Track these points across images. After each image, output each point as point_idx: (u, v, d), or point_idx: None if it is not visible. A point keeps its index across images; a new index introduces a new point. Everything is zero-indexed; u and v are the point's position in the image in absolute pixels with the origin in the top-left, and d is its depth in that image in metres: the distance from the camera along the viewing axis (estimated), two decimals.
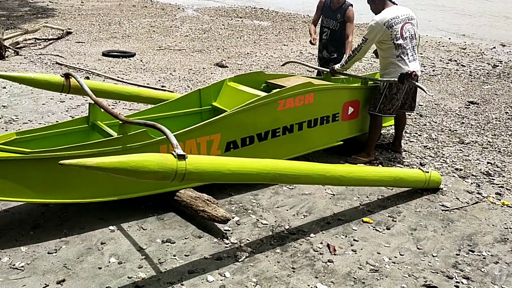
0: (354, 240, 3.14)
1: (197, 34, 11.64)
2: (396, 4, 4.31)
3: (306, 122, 3.97)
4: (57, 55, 8.45)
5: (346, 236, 3.18)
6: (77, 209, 3.22)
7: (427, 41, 12.04)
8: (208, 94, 4.10)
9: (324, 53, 5.49)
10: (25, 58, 8.13)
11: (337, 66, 4.58)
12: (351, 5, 5.21)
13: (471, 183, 4.13)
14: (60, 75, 3.85)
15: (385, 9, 4.23)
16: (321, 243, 3.07)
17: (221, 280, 2.63)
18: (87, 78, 6.98)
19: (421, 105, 6.54)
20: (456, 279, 2.79)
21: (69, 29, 10.95)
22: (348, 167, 3.32)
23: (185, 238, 3.01)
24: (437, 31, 14.31)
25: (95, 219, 3.13)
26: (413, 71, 4.13)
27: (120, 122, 3.01)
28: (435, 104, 6.65)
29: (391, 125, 4.92)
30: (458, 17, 17.99)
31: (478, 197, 3.87)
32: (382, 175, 3.49)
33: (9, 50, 8.25)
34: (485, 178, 4.25)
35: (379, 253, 3.00)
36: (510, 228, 3.41)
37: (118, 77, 7.20)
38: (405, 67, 4.21)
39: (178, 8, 16.55)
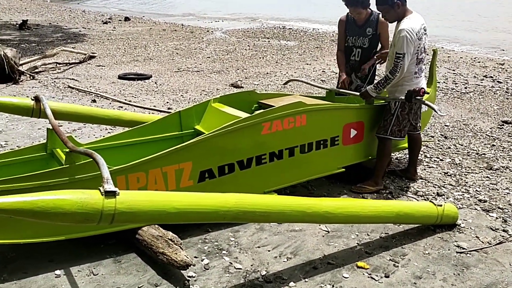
0: None
1: (219, 56, 11.40)
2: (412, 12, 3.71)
3: (298, 147, 3.49)
4: (73, 79, 8.36)
5: (333, 286, 2.65)
6: (28, 249, 2.85)
7: (461, 57, 11.29)
8: (190, 116, 3.70)
9: (353, 77, 4.50)
10: (39, 82, 8.06)
11: (370, 88, 3.79)
12: (379, 13, 4.17)
13: (496, 218, 3.51)
14: (31, 98, 3.56)
15: (408, 16, 3.62)
16: None
17: None
18: (94, 101, 6.78)
19: (447, 126, 5.90)
20: None
21: (92, 53, 10.96)
22: (337, 201, 2.81)
23: (139, 287, 2.57)
24: (473, 46, 13.52)
25: (44, 261, 2.75)
26: (422, 88, 3.58)
27: (67, 150, 2.64)
28: (464, 124, 5.99)
29: (404, 148, 4.33)
30: (496, 32, 17.02)
31: (503, 236, 3.24)
32: (382, 211, 2.94)
33: (25, 74, 8.23)
34: None
35: None
36: None
37: (125, 99, 6.97)
38: (420, 84, 3.68)
39: (207, 31, 16.50)
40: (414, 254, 3.00)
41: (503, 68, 10.04)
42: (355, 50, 4.42)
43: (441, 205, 3.25)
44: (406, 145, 4.18)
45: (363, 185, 3.87)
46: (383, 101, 3.90)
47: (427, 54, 3.96)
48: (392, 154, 4.24)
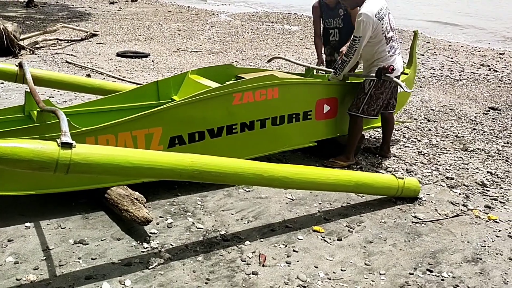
0: (294, 250, 2.74)
1: (221, 38, 11.48)
2: None
3: (270, 119, 3.61)
4: (71, 55, 8.50)
5: (286, 246, 2.79)
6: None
7: (462, 46, 11.28)
8: (167, 86, 3.82)
9: (335, 56, 4.73)
10: (38, 56, 8.23)
11: (331, 75, 3.97)
12: None
13: (459, 194, 3.61)
14: (15, 64, 3.71)
15: (367, 0, 3.73)
16: (254, 252, 2.70)
17: None
18: (88, 75, 6.92)
19: (433, 110, 5.98)
20: None
21: (95, 31, 11.09)
22: (295, 168, 2.92)
23: (101, 240, 2.73)
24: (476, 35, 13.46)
25: (15, 215, 2.91)
26: (391, 65, 3.67)
27: (38, 109, 2.79)
28: (450, 109, 6.06)
29: (377, 127, 4.44)
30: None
31: (461, 210, 3.35)
32: (340, 179, 3.07)
33: (26, 49, 8.39)
34: (478, 189, 3.71)
35: (317, 267, 2.59)
36: (488, 246, 2.89)
37: (120, 75, 7.11)
38: (394, 62, 3.77)
39: (213, 14, 16.54)
40: (370, 222, 3.13)
41: (503, 58, 10.03)
42: (333, 31, 4.70)
43: (402, 178, 3.36)
44: (379, 124, 4.28)
45: (335, 160, 3.99)
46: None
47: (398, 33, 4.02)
48: (367, 131, 4.36)
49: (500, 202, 3.51)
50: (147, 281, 2.39)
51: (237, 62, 8.62)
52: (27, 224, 2.83)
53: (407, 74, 4.63)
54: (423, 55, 9.93)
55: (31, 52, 8.43)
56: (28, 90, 3.16)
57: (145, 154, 2.40)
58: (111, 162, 2.25)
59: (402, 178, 3.36)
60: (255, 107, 3.50)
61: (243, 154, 3.51)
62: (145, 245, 2.70)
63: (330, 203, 3.36)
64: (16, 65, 3.68)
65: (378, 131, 4.92)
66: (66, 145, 2.13)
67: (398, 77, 3.83)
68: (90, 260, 2.54)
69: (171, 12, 16.52)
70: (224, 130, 3.42)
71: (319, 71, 4.41)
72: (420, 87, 7.22)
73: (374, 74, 3.73)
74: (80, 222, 2.90)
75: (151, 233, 2.83)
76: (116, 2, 18.46)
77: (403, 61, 4.27)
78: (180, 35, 11.66)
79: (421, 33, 13.51)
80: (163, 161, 2.40)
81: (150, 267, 2.50)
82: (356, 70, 4.62)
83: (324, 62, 4.79)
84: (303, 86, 3.75)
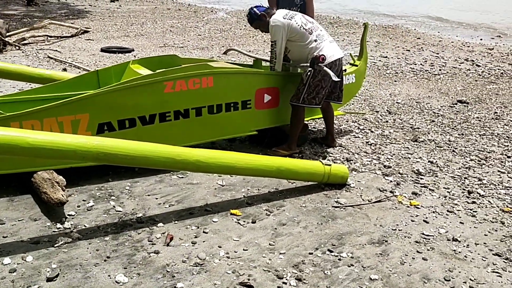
0: (204, 232, 2.82)
1: (211, 34, 11.58)
2: None
3: (206, 108, 3.69)
4: (56, 50, 8.68)
5: (198, 227, 2.87)
6: None
7: (452, 42, 11.21)
8: (108, 76, 3.93)
9: None
10: (23, 52, 8.40)
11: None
12: None
13: (391, 181, 3.65)
14: None
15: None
16: (163, 233, 2.79)
17: (18, 263, 2.43)
18: (64, 70, 7.07)
19: (399, 103, 5.99)
20: (285, 279, 2.40)
21: (86, 28, 11.28)
22: (210, 152, 2.99)
23: (19, 220, 2.84)
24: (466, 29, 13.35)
25: None
26: (322, 55, 3.72)
27: None
28: (416, 102, 6.07)
29: (319, 118, 4.48)
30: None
31: (386, 196, 3.39)
32: (260, 164, 3.14)
33: (12, 45, 8.59)
34: (412, 177, 3.74)
35: (220, 247, 2.66)
36: (399, 230, 2.94)
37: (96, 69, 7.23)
38: (324, 50, 3.82)
39: (211, 11, 16.66)
40: (291, 206, 3.19)
41: (490, 53, 9.96)
42: None
43: (329, 165, 3.42)
44: (320, 115, 4.34)
45: (277, 149, 4.05)
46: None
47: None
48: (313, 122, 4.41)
49: (430, 189, 3.54)
50: (48, 258, 2.49)
51: (219, 56, 8.70)
52: None
53: (357, 66, 4.68)
54: (408, 50, 9.91)
55: (17, 48, 8.62)
56: None
57: (46, 135, 2.50)
58: (8, 142, 2.35)
59: (329, 165, 3.42)
60: (188, 96, 3.58)
61: (179, 142, 3.55)
62: (59, 225, 2.80)
63: (258, 189, 3.42)
64: None
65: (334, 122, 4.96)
66: None
67: (335, 62, 3.87)
68: (1, 238, 2.65)
69: (170, 9, 16.66)
70: (157, 117, 3.51)
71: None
72: (395, 81, 7.24)
73: (308, 64, 3.78)
74: (4, 204, 3.01)
75: (68, 215, 2.93)
76: (118, 0, 18.69)
77: (352, 52, 4.30)
78: (172, 31, 11.78)
79: (415, 29, 13.49)
80: (65, 143, 2.50)
81: (55, 245, 2.59)
82: None
83: None
84: (240, 75, 3.82)
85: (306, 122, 4.34)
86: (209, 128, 3.75)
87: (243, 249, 2.66)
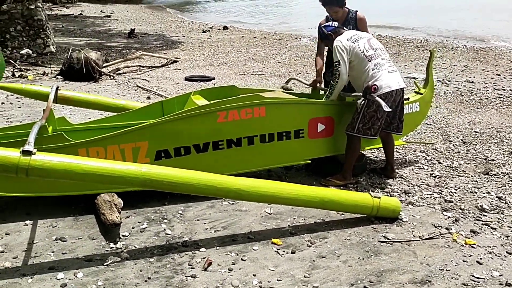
0: (242, 259, 2.89)
1: (291, 61, 11.79)
2: None
3: (258, 137, 3.79)
4: (144, 79, 9.38)
5: (237, 254, 2.95)
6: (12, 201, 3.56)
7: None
8: (171, 106, 4.19)
9: None
10: (115, 81, 9.19)
11: (324, 99, 4.09)
12: (357, 10, 4.49)
13: (449, 217, 3.46)
14: (50, 87, 4.35)
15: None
16: (204, 258, 2.90)
17: (69, 279, 2.67)
18: (148, 98, 7.62)
19: (476, 132, 5.65)
20: None
21: (176, 58, 12.06)
22: (253, 181, 3.06)
23: (79, 238, 3.12)
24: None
25: (22, 213, 3.43)
26: (374, 85, 3.66)
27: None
28: (496, 132, 5.68)
29: (379, 147, 4.36)
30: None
31: (440, 232, 3.22)
32: (303, 194, 3.15)
33: (106, 74, 9.46)
34: (474, 214, 3.51)
35: (255, 275, 2.71)
36: (447, 270, 2.77)
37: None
38: (380, 79, 3.76)
39: (295, 38, 16.94)
40: (335, 238, 3.15)
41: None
42: None
43: (378, 197, 3.33)
44: (379, 145, 4.24)
45: (331, 179, 4.02)
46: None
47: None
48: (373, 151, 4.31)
49: (492, 228, 3.30)
50: (96, 275, 2.71)
51: (294, 84, 8.82)
52: (27, 221, 3.32)
53: (421, 94, 4.53)
54: (499, 75, 9.29)
55: (112, 77, 9.46)
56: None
57: (99, 162, 2.75)
58: (65, 168, 2.63)
59: (379, 197, 3.33)
60: (241, 125, 3.71)
61: (232, 169, 3.72)
62: (112, 245, 3.03)
63: (304, 219, 3.43)
64: (51, 87, 4.31)
65: (399, 152, 4.82)
66: (26, 153, 2.56)
67: (391, 93, 3.78)
68: (61, 255, 2.93)
69: (256, 38, 17.19)
70: (210, 145, 3.67)
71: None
72: (477, 108, 6.82)
73: (361, 94, 3.75)
74: (69, 223, 3.33)
75: (122, 235, 3.16)
76: (209, 31, 19.71)
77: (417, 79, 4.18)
78: (254, 59, 12.17)
79: (510, 51, 12.59)
80: (115, 170, 2.73)
81: (105, 264, 2.81)
82: None
83: (322, 81, 4.66)
84: (292, 105, 3.89)
85: (363, 152, 4.25)
86: (261, 156, 3.84)
87: (277, 279, 2.68)
